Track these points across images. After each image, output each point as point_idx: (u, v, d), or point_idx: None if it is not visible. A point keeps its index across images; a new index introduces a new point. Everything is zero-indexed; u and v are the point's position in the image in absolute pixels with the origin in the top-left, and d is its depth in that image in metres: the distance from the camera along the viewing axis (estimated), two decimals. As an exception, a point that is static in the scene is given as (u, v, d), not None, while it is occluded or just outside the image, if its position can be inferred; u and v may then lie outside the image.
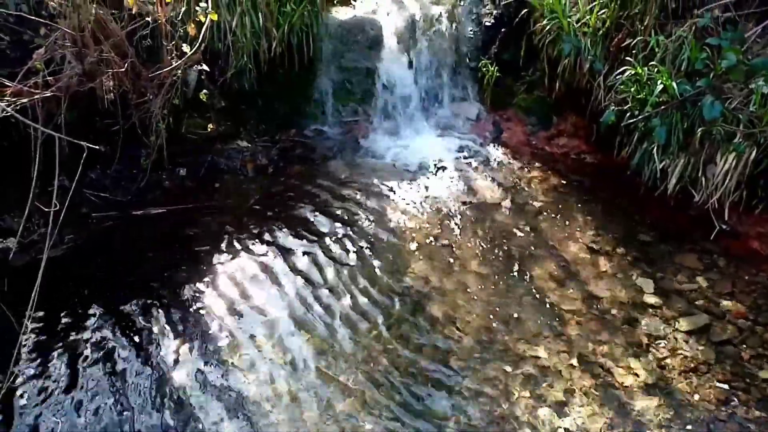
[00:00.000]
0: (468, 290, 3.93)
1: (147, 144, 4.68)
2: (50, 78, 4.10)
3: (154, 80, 4.53)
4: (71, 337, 3.44)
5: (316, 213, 4.60)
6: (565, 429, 3.05)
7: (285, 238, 4.33)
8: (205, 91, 4.59)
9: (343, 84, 5.68)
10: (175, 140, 4.81)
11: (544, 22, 5.25)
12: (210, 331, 3.57)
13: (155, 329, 3.56)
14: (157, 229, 4.35)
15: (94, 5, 4.15)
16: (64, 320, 3.55)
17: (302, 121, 5.64)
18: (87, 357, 3.34)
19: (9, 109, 3.11)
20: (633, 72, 4.76)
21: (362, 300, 3.84)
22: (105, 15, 4.26)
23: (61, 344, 3.39)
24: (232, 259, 4.12)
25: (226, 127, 5.20)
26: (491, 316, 3.73)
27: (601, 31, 5.05)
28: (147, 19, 4.40)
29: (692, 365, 3.40)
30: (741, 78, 4.40)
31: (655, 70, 4.66)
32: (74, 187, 4.02)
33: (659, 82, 4.58)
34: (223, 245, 4.23)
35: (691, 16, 4.69)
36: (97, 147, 2.61)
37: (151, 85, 4.55)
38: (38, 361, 3.27)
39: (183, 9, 4.52)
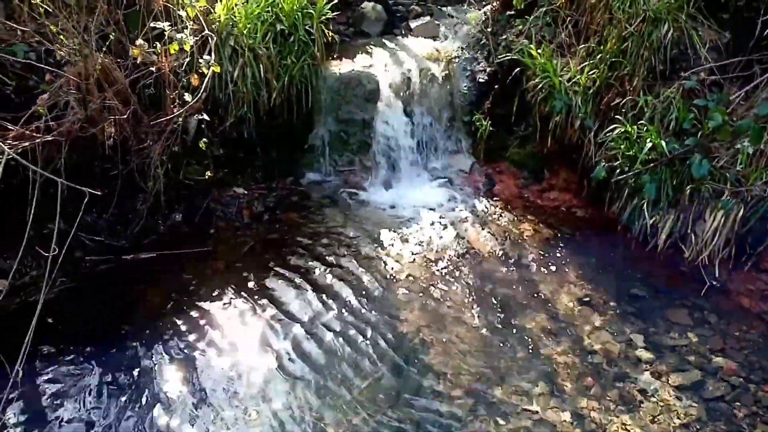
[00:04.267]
0: (461, 342, 3.92)
1: (144, 189, 4.72)
2: (52, 123, 4.17)
3: (155, 127, 4.62)
4: (61, 380, 3.42)
5: (310, 261, 4.61)
6: (558, 486, 3.01)
7: (277, 285, 4.33)
8: (204, 139, 4.66)
9: (340, 135, 5.79)
10: (172, 186, 4.86)
11: (537, 80, 5.42)
12: (196, 378, 3.54)
13: (144, 375, 3.53)
14: (150, 273, 4.35)
15: (101, 54, 4.27)
16: (54, 363, 3.53)
17: (299, 169, 5.73)
18: (78, 399, 3.32)
19: (11, 151, 3.15)
20: (622, 130, 4.90)
21: (354, 351, 3.81)
22: (110, 63, 4.37)
23: (52, 387, 3.37)
24: (222, 306, 4.11)
25: (224, 174, 5.27)
26: (484, 369, 3.71)
27: (591, 90, 5.21)
28: (151, 68, 4.51)
29: (685, 422, 3.37)
30: (727, 138, 4.53)
31: (644, 128, 4.80)
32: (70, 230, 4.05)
33: (648, 140, 4.71)
34: (214, 292, 4.23)
35: (678, 78, 4.86)
36: (97, 192, 2.64)
37: (152, 132, 4.63)
38: (29, 403, 3.25)
39: (187, 60, 4.64)
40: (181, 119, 4.62)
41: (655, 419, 3.39)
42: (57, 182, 2.81)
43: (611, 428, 3.33)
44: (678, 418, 3.40)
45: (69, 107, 4.29)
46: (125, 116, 4.39)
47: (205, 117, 4.69)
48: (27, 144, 3.93)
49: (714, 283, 4.40)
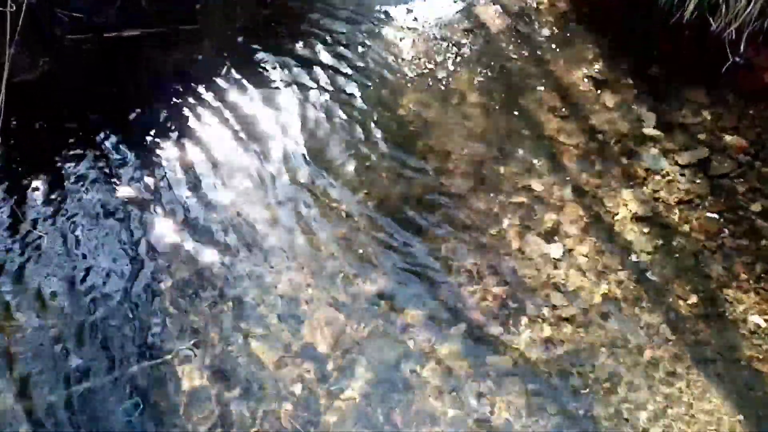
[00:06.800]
0: (465, 122, 3.80)
1: (120, -42, 4.25)
2: None
3: None
4: (47, 158, 3.43)
5: (307, 39, 4.30)
6: (552, 255, 3.10)
7: (271, 66, 4.09)
8: None
9: None
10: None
11: None
12: (190, 155, 3.52)
13: (132, 156, 3.50)
14: (135, 52, 4.10)
15: None
16: (39, 143, 3.52)
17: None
18: (63, 175, 3.36)
19: None
20: None
21: (354, 130, 3.72)
22: None
23: (37, 165, 3.39)
24: (213, 85, 3.93)
25: (206, -58, 4.70)
26: (487, 148, 3.64)
27: None
28: None
29: (686, 198, 3.37)
30: None
31: None
32: (46, 7, 3.75)
33: None
34: (205, 71, 4.02)
35: None
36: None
37: None
38: (15, 180, 3.29)
39: None
40: None
41: (657, 195, 3.39)
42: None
43: (611, 203, 3.35)
44: (679, 194, 3.39)
45: None
46: None
47: None
48: None
49: (738, 59, 4.09)
